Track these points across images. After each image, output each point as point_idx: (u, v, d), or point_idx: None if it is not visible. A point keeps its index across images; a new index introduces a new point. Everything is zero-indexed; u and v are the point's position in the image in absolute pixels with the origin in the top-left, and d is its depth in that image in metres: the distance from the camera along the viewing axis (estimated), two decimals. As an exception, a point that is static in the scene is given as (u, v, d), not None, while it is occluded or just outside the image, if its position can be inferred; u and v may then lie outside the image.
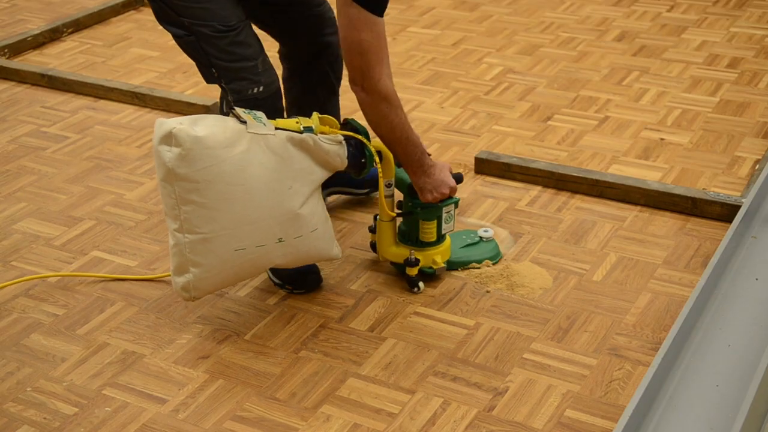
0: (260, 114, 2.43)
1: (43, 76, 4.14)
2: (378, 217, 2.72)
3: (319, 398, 2.35)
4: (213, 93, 3.88)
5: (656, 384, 2.20)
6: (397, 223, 2.76)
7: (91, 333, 2.62)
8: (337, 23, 2.44)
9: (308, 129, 2.46)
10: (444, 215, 2.68)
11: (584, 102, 3.80)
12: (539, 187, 3.22)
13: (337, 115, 2.93)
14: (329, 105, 2.92)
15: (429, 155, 2.62)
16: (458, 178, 2.67)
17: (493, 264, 2.81)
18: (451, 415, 2.29)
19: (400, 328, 2.59)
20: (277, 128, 2.41)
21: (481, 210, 3.10)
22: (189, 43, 2.56)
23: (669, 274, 2.76)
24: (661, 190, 3.06)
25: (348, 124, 2.60)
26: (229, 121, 2.36)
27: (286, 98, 2.91)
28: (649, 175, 3.23)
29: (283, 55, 2.92)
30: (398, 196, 2.74)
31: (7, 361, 2.53)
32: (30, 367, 2.50)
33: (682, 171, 3.28)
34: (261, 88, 2.58)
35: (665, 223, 3.00)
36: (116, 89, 3.98)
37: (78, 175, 3.43)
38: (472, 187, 3.23)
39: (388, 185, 2.66)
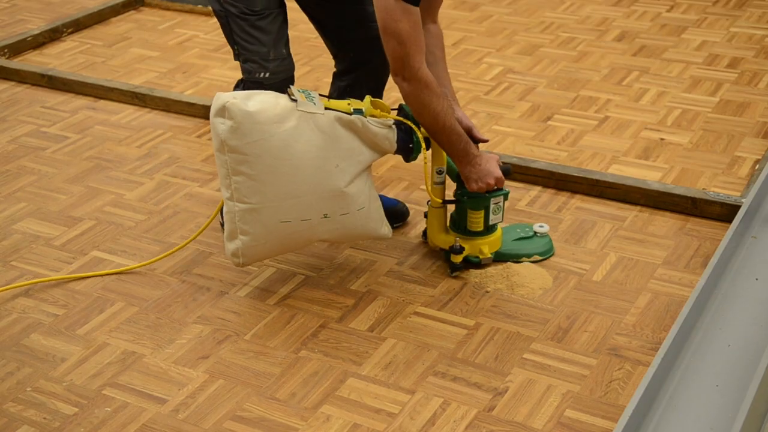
0: (314, 94, 2.55)
1: (43, 76, 4.14)
2: (429, 203, 2.77)
3: (319, 398, 2.35)
4: (212, 93, 3.88)
5: (656, 384, 2.20)
6: (449, 212, 2.80)
7: (91, 333, 2.62)
8: (376, 15, 2.47)
9: (358, 111, 2.55)
10: (492, 206, 2.70)
11: (584, 102, 3.80)
12: (539, 187, 3.22)
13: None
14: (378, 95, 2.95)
15: (476, 146, 2.65)
16: (506, 171, 2.69)
17: (542, 260, 2.81)
18: (451, 415, 2.29)
19: (400, 328, 2.59)
20: (327, 108, 2.52)
21: (481, 210, 3.10)
22: (221, 18, 2.74)
23: (669, 274, 2.76)
24: (661, 190, 3.06)
25: (401, 110, 2.66)
26: (281, 98, 2.49)
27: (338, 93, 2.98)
28: (649, 175, 3.23)
29: (335, 56, 2.98)
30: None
31: (7, 361, 2.53)
32: (30, 367, 2.50)
33: (682, 171, 3.28)
34: (267, 74, 2.71)
35: (665, 223, 3.00)
36: (116, 89, 3.98)
37: (78, 175, 3.43)
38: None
39: (439, 172, 2.71)
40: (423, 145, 2.65)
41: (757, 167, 3.26)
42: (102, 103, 3.99)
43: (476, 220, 2.72)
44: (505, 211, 3.08)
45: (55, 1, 5.22)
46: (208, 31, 4.69)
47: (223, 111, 2.41)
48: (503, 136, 3.56)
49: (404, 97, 2.54)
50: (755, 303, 2.54)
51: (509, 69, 4.12)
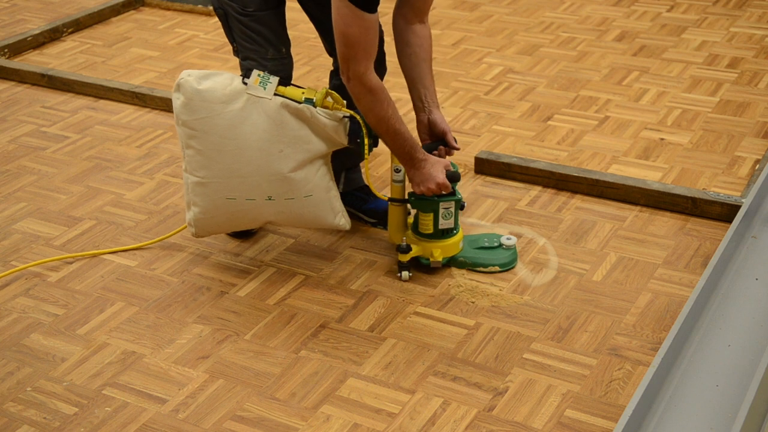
0: (273, 79, 2.61)
1: (43, 76, 4.14)
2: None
3: (319, 398, 2.35)
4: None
5: (656, 384, 2.20)
6: (410, 210, 2.82)
7: (91, 333, 2.62)
8: (332, 15, 2.49)
9: (309, 101, 2.60)
10: (441, 211, 2.70)
11: (584, 102, 3.80)
12: (539, 187, 3.22)
13: None
14: None
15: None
16: (452, 177, 2.67)
17: (500, 272, 2.78)
18: (451, 415, 2.29)
19: (400, 328, 2.59)
20: (276, 94, 2.59)
21: (481, 210, 3.10)
22: (220, 17, 2.79)
23: (669, 274, 2.76)
24: (661, 190, 3.06)
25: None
26: (236, 80, 2.60)
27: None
28: (649, 175, 3.23)
29: (329, 53, 2.99)
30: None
31: (7, 361, 2.53)
32: (30, 367, 2.50)
33: (682, 171, 3.28)
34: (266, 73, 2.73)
35: (665, 223, 3.00)
36: (116, 89, 3.98)
37: (78, 175, 3.43)
38: (472, 187, 3.23)
39: (396, 170, 2.73)
40: (369, 141, 2.64)
41: (757, 167, 3.26)
42: (102, 103, 3.99)
43: (426, 222, 2.73)
44: (504, 211, 3.08)
45: (55, 1, 5.22)
46: (208, 31, 4.69)
47: (178, 86, 2.59)
48: (503, 136, 3.56)
49: (351, 96, 2.56)
50: (755, 303, 2.54)
51: (509, 69, 4.12)
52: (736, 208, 2.93)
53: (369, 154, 2.68)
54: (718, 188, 3.15)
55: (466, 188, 3.22)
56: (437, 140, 2.78)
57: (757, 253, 2.75)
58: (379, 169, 3.35)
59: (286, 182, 2.63)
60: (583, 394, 2.33)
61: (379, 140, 2.68)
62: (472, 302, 2.66)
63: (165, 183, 3.34)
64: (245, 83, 2.59)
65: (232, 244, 2.97)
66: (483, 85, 3.98)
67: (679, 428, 2.14)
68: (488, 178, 3.29)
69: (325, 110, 2.60)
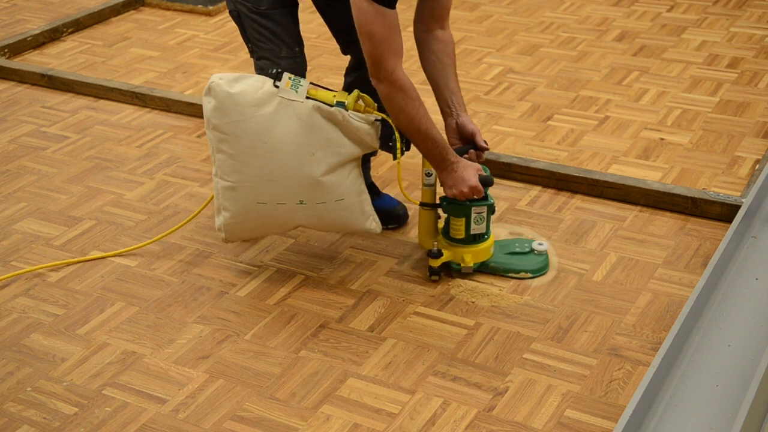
0: (304, 82, 2.58)
1: (43, 76, 4.14)
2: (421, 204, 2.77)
3: (319, 398, 2.35)
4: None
5: (656, 384, 2.20)
6: (441, 215, 2.79)
7: (91, 333, 2.62)
8: (353, 15, 2.48)
9: (340, 104, 2.57)
10: (474, 215, 2.67)
11: (584, 102, 3.80)
12: (539, 187, 3.22)
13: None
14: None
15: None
16: (485, 181, 2.65)
17: (532, 278, 2.76)
18: (451, 415, 2.29)
19: (400, 328, 2.59)
20: (308, 97, 2.56)
21: (481, 210, 3.10)
22: (234, 18, 2.79)
23: (669, 274, 2.76)
24: (661, 190, 3.06)
25: None
26: (267, 84, 2.57)
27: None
28: (649, 175, 3.24)
29: (344, 51, 2.97)
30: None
31: (7, 361, 2.53)
32: (30, 367, 2.50)
33: (682, 171, 3.28)
34: (279, 71, 2.70)
35: (665, 223, 3.00)
36: (116, 89, 3.98)
37: (78, 175, 3.43)
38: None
39: (428, 174, 2.70)
40: (401, 145, 2.63)
41: (757, 167, 3.26)
42: (102, 103, 3.99)
43: (457, 227, 2.70)
44: (504, 211, 3.08)
45: (55, 1, 5.22)
46: (208, 31, 4.69)
47: (209, 90, 2.56)
48: (503, 136, 3.56)
49: (381, 98, 2.54)
50: (755, 303, 2.54)
51: (509, 69, 4.12)
52: (736, 208, 2.93)
53: (401, 157, 2.64)
54: (718, 188, 3.15)
55: (466, 188, 3.22)
56: (467, 144, 2.76)
57: (757, 253, 2.75)
58: (378, 169, 3.35)
59: (318, 186, 2.60)
60: (583, 394, 2.33)
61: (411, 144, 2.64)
62: (473, 302, 2.66)
63: (165, 183, 3.34)
64: (276, 86, 2.55)
65: (232, 244, 2.97)
66: (483, 85, 3.98)
67: (679, 428, 2.14)
68: (488, 178, 3.29)
69: (357, 113, 2.57)
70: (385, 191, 3.18)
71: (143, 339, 2.59)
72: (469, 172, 2.63)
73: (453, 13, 4.74)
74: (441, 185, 2.66)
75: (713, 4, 4.72)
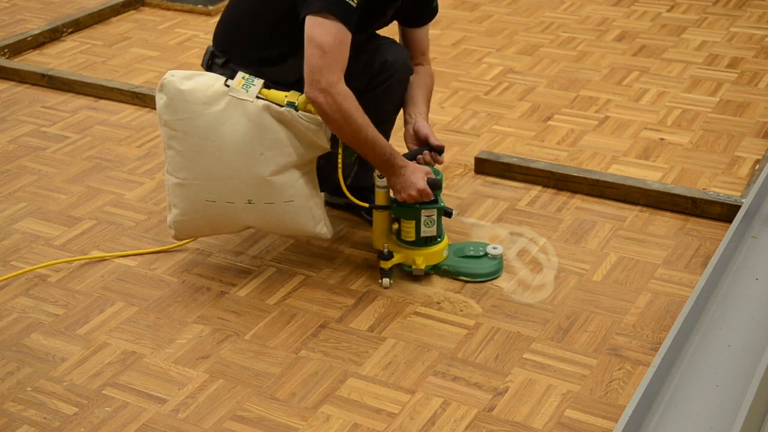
0: (258, 82, 2.57)
1: (43, 76, 4.14)
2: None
3: (319, 398, 2.35)
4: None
5: (656, 384, 2.20)
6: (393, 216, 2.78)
7: (91, 333, 2.62)
8: (305, 27, 2.48)
9: (291, 104, 2.56)
10: (423, 218, 2.66)
11: (584, 102, 3.80)
12: (539, 187, 3.22)
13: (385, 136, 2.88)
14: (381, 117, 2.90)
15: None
16: (433, 184, 2.63)
17: (483, 281, 2.74)
18: (451, 415, 2.29)
19: (400, 328, 2.59)
20: (258, 97, 2.56)
21: (481, 210, 3.10)
22: None
23: (669, 274, 2.76)
24: (661, 190, 3.06)
25: None
26: (219, 82, 2.57)
27: None
28: (649, 175, 3.24)
29: None
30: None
31: (7, 361, 2.53)
32: (30, 367, 2.50)
33: (682, 171, 3.28)
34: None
35: (665, 223, 3.00)
36: (116, 89, 3.98)
37: (78, 175, 3.43)
38: (472, 187, 3.23)
39: (380, 176, 2.68)
40: (341, 150, 2.63)
41: (757, 167, 3.26)
42: (102, 103, 3.99)
43: (407, 229, 2.70)
44: (504, 211, 3.08)
45: (55, 1, 5.22)
46: (208, 31, 4.69)
47: (161, 86, 2.58)
48: (503, 136, 3.56)
49: (323, 112, 2.49)
50: (755, 303, 2.54)
51: (509, 69, 4.12)
52: (736, 208, 2.93)
53: (342, 164, 2.65)
54: (718, 188, 3.15)
55: (466, 188, 3.22)
56: (422, 146, 2.76)
57: (757, 253, 2.75)
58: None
59: (266, 186, 2.60)
60: (583, 394, 2.33)
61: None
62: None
63: (165, 183, 3.33)
64: (227, 85, 2.56)
65: (232, 244, 2.97)
66: (483, 85, 3.98)
67: (679, 428, 2.14)
68: (488, 178, 3.29)
69: (306, 114, 2.56)
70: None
71: (143, 339, 2.59)
72: (417, 175, 2.62)
73: (453, 13, 4.74)
74: (392, 190, 2.66)
75: (713, 4, 4.72)
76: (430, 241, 2.73)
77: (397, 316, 2.63)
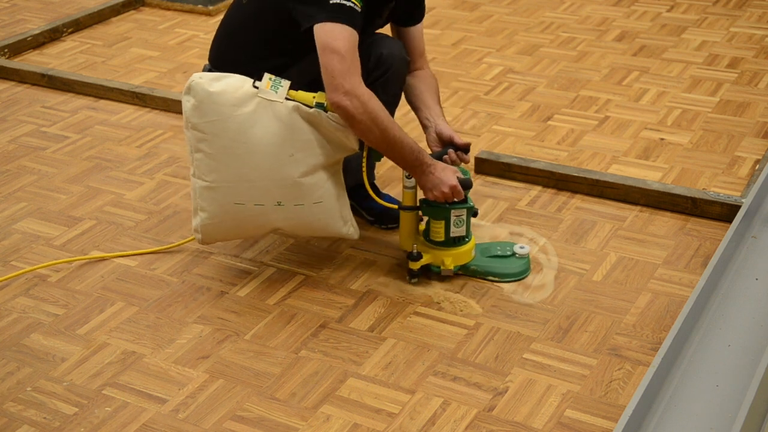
0: (285, 83, 2.56)
1: (43, 76, 4.14)
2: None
3: (319, 398, 2.35)
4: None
5: (656, 384, 2.20)
6: (421, 216, 2.79)
7: (91, 333, 2.62)
8: (315, 37, 2.50)
9: (320, 105, 2.55)
10: (453, 218, 2.66)
11: (584, 102, 3.80)
12: (539, 187, 3.22)
13: None
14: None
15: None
16: (464, 183, 2.63)
17: (512, 281, 2.74)
18: (451, 415, 2.29)
19: (400, 328, 2.59)
20: (287, 98, 2.54)
21: (481, 210, 3.10)
22: None
23: (669, 274, 2.76)
24: (661, 190, 3.06)
25: None
26: (247, 84, 2.55)
27: None
28: (649, 175, 3.24)
29: None
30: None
31: (7, 361, 2.53)
32: (30, 367, 2.50)
33: (682, 171, 3.28)
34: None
35: (665, 223, 3.00)
36: (116, 89, 3.98)
37: (78, 175, 3.43)
38: (472, 187, 3.23)
39: (408, 176, 2.69)
40: (365, 161, 2.66)
41: (757, 167, 3.26)
42: (102, 103, 3.99)
43: (437, 230, 2.69)
44: (504, 211, 3.08)
45: (55, 1, 5.22)
46: (208, 31, 4.69)
47: (189, 89, 2.55)
48: (503, 136, 3.56)
49: (349, 117, 2.49)
50: (755, 303, 2.54)
51: (509, 69, 4.12)
52: (736, 208, 2.93)
53: (367, 165, 2.67)
54: (718, 188, 3.15)
55: (466, 188, 3.22)
56: (446, 146, 2.77)
57: (757, 253, 2.75)
58: (379, 169, 3.35)
59: (295, 187, 2.59)
60: (583, 394, 2.33)
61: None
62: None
63: (165, 183, 3.34)
64: (256, 86, 2.55)
65: (232, 244, 2.97)
66: (483, 85, 3.98)
67: (679, 428, 2.14)
68: (488, 178, 3.29)
69: (335, 115, 2.55)
70: (385, 191, 3.18)
71: (143, 339, 2.59)
72: (447, 173, 2.62)
73: (453, 13, 4.75)
74: (421, 188, 2.65)
75: (713, 4, 4.72)
76: (459, 241, 2.72)
77: (397, 316, 2.63)
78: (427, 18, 4.69)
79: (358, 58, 2.49)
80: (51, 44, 4.63)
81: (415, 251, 2.70)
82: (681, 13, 4.64)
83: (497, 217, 3.06)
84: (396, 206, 2.76)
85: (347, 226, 2.71)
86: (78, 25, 4.78)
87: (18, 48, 4.50)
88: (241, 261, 2.90)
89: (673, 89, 3.87)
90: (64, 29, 4.72)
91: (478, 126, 3.65)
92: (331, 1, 2.46)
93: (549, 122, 3.66)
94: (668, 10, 4.69)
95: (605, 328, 2.55)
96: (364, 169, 2.68)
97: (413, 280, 2.74)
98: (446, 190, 2.61)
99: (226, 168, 2.57)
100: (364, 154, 2.66)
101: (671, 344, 2.28)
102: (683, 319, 2.36)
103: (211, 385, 2.41)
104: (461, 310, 2.64)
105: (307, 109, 2.54)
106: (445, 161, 2.72)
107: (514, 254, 2.77)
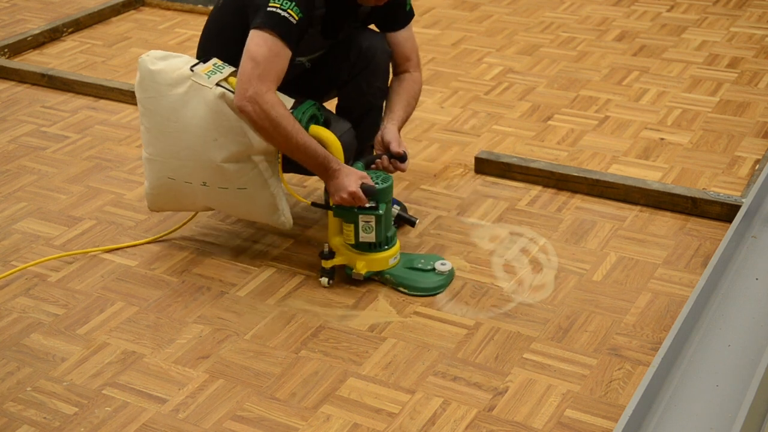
0: (227, 70, 2.65)
1: (43, 75, 4.14)
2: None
3: (319, 398, 2.35)
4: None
5: (656, 384, 2.20)
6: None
7: (91, 333, 2.62)
8: (247, 40, 2.55)
9: None
10: (361, 224, 2.65)
11: (584, 102, 3.80)
12: (539, 187, 3.22)
13: (370, 130, 2.91)
14: (365, 119, 2.92)
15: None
16: (367, 191, 2.61)
17: (424, 296, 2.69)
18: (451, 415, 2.29)
19: (400, 328, 2.59)
20: (218, 84, 2.62)
21: (481, 210, 3.10)
22: None
23: (669, 274, 2.76)
24: (661, 190, 3.06)
25: (297, 104, 2.66)
26: (186, 66, 2.67)
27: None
28: (649, 175, 3.24)
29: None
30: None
31: (7, 361, 2.53)
32: (30, 367, 2.50)
33: (682, 171, 3.28)
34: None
35: (665, 223, 3.00)
36: (116, 89, 3.98)
37: (78, 174, 3.43)
38: (472, 187, 3.23)
39: None
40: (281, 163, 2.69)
41: (757, 167, 3.26)
42: (102, 102, 3.99)
43: (348, 232, 2.69)
44: (504, 211, 3.08)
45: (55, 0, 5.22)
46: (208, 30, 4.69)
47: (138, 65, 2.73)
48: (503, 136, 3.56)
49: (251, 122, 2.56)
50: (755, 303, 2.54)
51: (509, 69, 4.12)
52: (736, 208, 2.93)
53: (282, 161, 2.70)
54: (718, 188, 3.15)
55: (466, 188, 3.22)
56: (384, 152, 2.76)
57: (757, 253, 2.75)
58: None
59: (218, 171, 2.67)
60: (583, 394, 2.33)
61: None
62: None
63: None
64: (192, 70, 2.64)
65: (232, 244, 2.97)
66: (483, 85, 3.98)
67: (679, 428, 2.14)
68: (488, 178, 3.29)
69: None
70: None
71: (143, 339, 2.59)
72: (351, 179, 2.61)
73: (453, 13, 4.75)
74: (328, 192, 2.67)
75: (713, 4, 4.72)
76: (373, 247, 2.70)
77: (397, 316, 2.63)
78: (427, 18, 4.70)
79: (278, 68, 2.53)
80: (51, 44, 4.63)
81: (326, 249, 2.71)
82: (681, 13, 4.64)
83: (497, 217, 3.06)
84: (309, 203, 2.78)
85: (277, 215, 2.76)
86: (78, 25, 4.78)
87: (18, 48, 4.50)
88: (241, 261, 2.90)
89: (673, 89, 3.87)
90: (64, 29, 4.71)
91: (478, 126, 3.65)
92: (268, 9, 2.52)
93: (549, 122, 3.66)
94: (668, 10, 4.69)
95: (605, 328, 2.55)
96: (280, 162, 2.71)
97: (323, 278, 2.74)
98: (345, 195, 2.61)
99: (160, 143, 2.73)
100: (279, 161, 2.71)
101: (671, 344, 2.28)
102: (683, 319, 2.36)
103: (211, 385, 2.41)
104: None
105: (233, 96, 2.58)
106: (377, 166, 2.74)
107: (433, 269, 2.73)
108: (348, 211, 2.66)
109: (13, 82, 4.21)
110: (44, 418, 2.33)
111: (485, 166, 3.31)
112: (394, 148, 2.74)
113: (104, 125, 3.79)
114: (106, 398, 2.38)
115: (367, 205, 2.63)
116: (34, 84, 4.18)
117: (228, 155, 2.64)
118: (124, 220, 3.13)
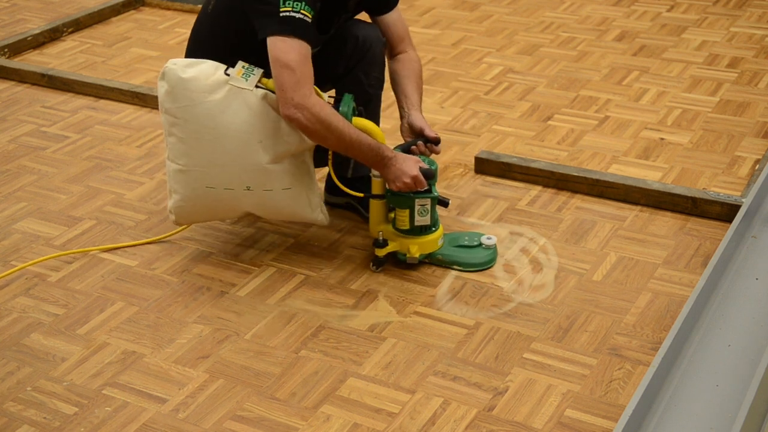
0: (258, 71, 2.61)
1: (43, 75, 4.14)
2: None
3: (319, 398, 2.35)
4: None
5: (656, 384, 2.21)
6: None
7: (91, 333, 2.62)
8: (268, 51, 2.54)
9: None
10: (417, 207, 2.70)
11: (584, 102, 3.80)
12: (539, 187, 3.22)
13: (373, 116, 2.93)
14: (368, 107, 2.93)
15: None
16: (426, 173, 2.66)
17: (476, 271, 2.77)
18: (451, 415, 2.29)
19: (400, 328, 2.59)
20: (258, 86, 2.61)
21: (481, 210, 3.10)
22: None
23: (669, 274, 2.76)
24: (661, 190, 3.06)
25: (338, 101, 2.68)
26: (219, 70, 2.62)
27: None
28: (650, 175, 3.24)
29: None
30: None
31: (7, 361, 2.53)
32: (30, 366, 2.50)
33: (682, 171, 3.28)
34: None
35: (665, 223, 3.00)
36: (116, 89, 3.98)
37: (78, 174, 3.43)
38: (472, 187, 3.23)
39: None
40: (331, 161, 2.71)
41: (757, 167, 3.26)
42: (102, 102, 3.99)
43: (402, 218, 2.73)
44: (504, 211, 3.08)
45: (55, 0, 5.22)
46: (208, 30, 4.69)
47: (163, 74, 2.64)
48: (503, 136, 3.56)
49: (303, 129, 2.56)
50: (755, 303, 2.54)
51: (509, 69, 4.12)
52: (736, 208, 2.93)
53: (332, 158, 2.72)
54: (718, 188, 3.15)
55: (466, 188, 3.22)
56: (416, 138, 2.81)
57: (757, 253, 2.75)
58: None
59: (264, 173, 2.65)
60: (583, 394, 2.33)
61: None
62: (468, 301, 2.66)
63: (165, 183, 3.34)
64: (227, 74, 2.61)
65: (232, 244, 2.98)
66: (483, 85, 3.98)
67: (679, 428, 2.14)
68: (488, 178, 3.29)
69: None
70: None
71: (143, 339, 2.59)
72: (409, 164, 2.65)
73: (453, 13, 4.75)
74: (385, 181, 2.70)
75: (713, 4, 4.72)
76: (425, 230, 2.76)
77: (397, 316, 2.63)
78: (427, 18, 4.70)
79: (310, 68, 2.54)
80: (51, 44, 4.63)
81: (381, 238, 2.74)
82: (681, 13, 4.64)
83: (497, 217, 3.06)
84: (363, 195, 2.80)
85: (316, 212, 2.77)
86: (78, 24, 4.78)
87: (18, 48, 4.50)
88: (241, 261, 2.90)
89: (673, 89, 3.87)
90: (64, 29, 4.71)
91: (478, 126, 3.65)
92: (281, 14, 2.51)
93: (549, 122, 3.66)
94: (668, 10, 4.69)
95: (605, 328, 2.56)
96: (330, 160, 2.72)
97: (377, 269, 2.79)
98: (408, 180, 2.64)
99: (196, 152, 2.65)
100: (330, 155, 2.72)
101: (671, 344, 2.28)
102: (683, 319, 2.36)
103: (211, 385, 2.41)
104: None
105: (275, 96, 2.58)
106: (413, 152, 2.77)
107: (480, 245, 2.81)
108: (404, 197, 2.69)
109: (13, 82, 4.21)
110: (44, 418, 2.33)
111: (485, 166, 3.31)
112: (428, 132, 2.79)
113: (104, 125, 3.79)
114: (106, 398, 2.38)
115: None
116: (34, 84, 4.18)
117: (274, 156, 2.63)
118: (124, 220, 3.13)
